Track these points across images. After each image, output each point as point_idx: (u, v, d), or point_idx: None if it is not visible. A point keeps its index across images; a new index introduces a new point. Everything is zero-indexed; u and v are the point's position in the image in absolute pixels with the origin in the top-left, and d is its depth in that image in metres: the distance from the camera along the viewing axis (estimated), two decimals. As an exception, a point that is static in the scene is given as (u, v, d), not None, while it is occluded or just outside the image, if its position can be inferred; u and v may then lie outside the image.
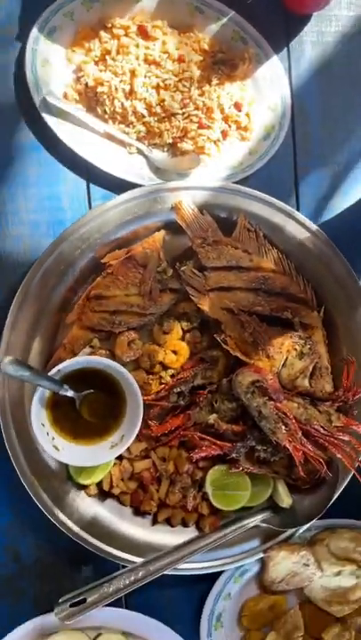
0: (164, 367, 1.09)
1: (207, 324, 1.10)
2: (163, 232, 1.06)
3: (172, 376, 1.10)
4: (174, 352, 1.09)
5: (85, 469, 1.03)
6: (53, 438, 1.00)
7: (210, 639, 1.11)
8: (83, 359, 0.99)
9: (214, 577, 1.11)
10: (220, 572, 1.10)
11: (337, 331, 1.13)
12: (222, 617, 1.12)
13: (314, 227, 1.11)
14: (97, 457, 1.01)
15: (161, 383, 1.10)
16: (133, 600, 1.10)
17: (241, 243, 1.08)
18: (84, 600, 0.99)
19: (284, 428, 1.04)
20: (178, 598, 1.12)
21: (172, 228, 1.07)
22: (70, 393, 0.99)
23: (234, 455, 1.06)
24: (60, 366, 0.97)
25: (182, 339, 1.10)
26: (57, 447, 0.99)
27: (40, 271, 1.01)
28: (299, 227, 1.10)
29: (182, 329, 1.09)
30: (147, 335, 1.09)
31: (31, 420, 0.97)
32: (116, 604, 1.06)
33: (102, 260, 1.04)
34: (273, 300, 1.08)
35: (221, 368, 1.09)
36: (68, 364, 0.98)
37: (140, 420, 1.00)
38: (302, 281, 1.11)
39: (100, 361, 0.99)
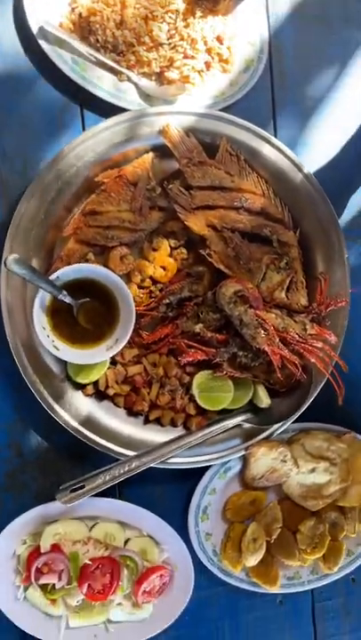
0: (154, 282, 1.19)
1: (193, 243, 1.20)
2: (151, 154, 1.15)
3: (161, 290, 1.19)
4: (163, 268, 1.19)
5: (83, 370, 1.13)
6: (53, 341, 1.09)
7: (197, 529, 1.22)
8: (79, 266, 1.08)
9: (201, 474, 1.21)
10: (206, 469, 1.21)
11: (312, 250, 1.23)
12: (208, 510, 1.23)
13: (290, 152, 1.20)
14: (94, 357, 1.10)
15: (151, 297, 1.19)
16: (127, 495, 1.20)
17: (223, 165, 1.17)
18: (83, 487, 1.09)
19: (263, 332, 1.14)
20: (168, 493, 1.23)
21: (161, 151, 1.16)
22: (68, 299, 1.08)
23: (218, 360, 1.17)
24: (59, 272, 1.06)
25: (170, 255, 1.19)
26: (57, 348, 1.08)
27: (39, 187, 1.09)
28: (276, 152, 1.20)
29: (170, 246, 1.19)
30: (137, 252, 1.19)
31: (33, 322, 1.05)
32: (111, 496, 1.16)
33: (96, 179, 1.13)
34: (253, 219, 1.18)
35: (206, 282, 1.19)
36: (66, 271, 1.07)
37: (133, 324, 1.09)
38: (280, 203, 1.21)
39: (96, 269, 1.09)
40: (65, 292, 1.07)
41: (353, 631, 1.35)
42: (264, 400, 1.20)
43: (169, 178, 1.17)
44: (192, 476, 1.21)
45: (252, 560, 1.22)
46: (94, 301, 1.12)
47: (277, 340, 1.15)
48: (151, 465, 1.13)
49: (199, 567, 1.22)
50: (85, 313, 1.12)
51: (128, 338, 1.10)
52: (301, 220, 1.23)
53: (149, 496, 1.22)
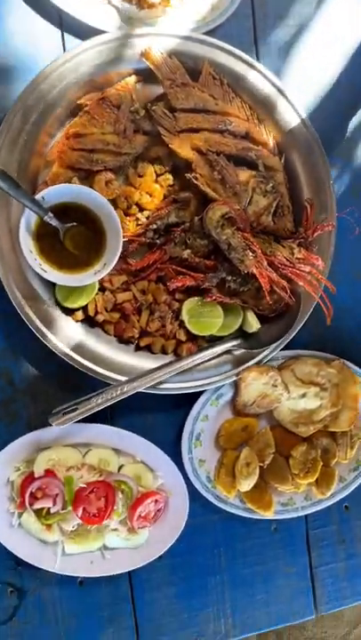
0: (140, 209, 1.18)
1: (179, 169, 1.19)
2: (134, 77, 1.14)
3: (148, 218, 1.19)
4: (149, 194, 1.18)
5: (71, 295, 1.12)
6: (40, 264, 1.08)
7: (190, 455, 1.22)
8: (65, 187, 1.08)
9: (192, 402, 1.21)
10: (198, 397, 1.21)
11: (297, 178, 1.24)
12: (201, 437, 1.24)
13: (274, 78, 1.20)
14: (82, 281, 1.10)
15: (138, 225, 1.19)
16: (120, 423, 1.20)
17: (207, 88, 1.17)
18: (76, 410, 1.09)
19: (251, 255, 1.15)
20: (160, 421, 1.23)
21: (144, 75, 1.15)
22: (55, 222, 1.07)
23: (206, 285, 1.17)
24: (44, 192, 1.06)
25: (156, 182, 1.18)
26: (44, 270, 1.08)
27: (21, 108, 1.08)
28: (260, 77, 1.20)
29: (155, 172, 1.17)
30: (123, 180, 1.18)
31: (19, 244, 1.05)
32: (104, 423, 1.16)
33: (79, 101, 1.12)
34: (238, 142, 1.18)
35: (193, 208, 1.19)
36: (51, 191, 1.06)
37: (120, 247, 1.09)
38: (264, 129, 1.21)
39: (81, 190, 1.08)
40: (51, 215, 1.06)
41: (348, 558, 1.37)
42: (254, 325, 1.20)
43: (153, 102, 1.16)
44: (184, 405, 1.21)
45: (246, 485, 1.23)
46: (81, 227, 1.12)
47: (265, 262, 1.16)
48: (143, 389, 1.13)
49: (193, 494, 1.21)
50: (72, 238, 1.12)
51: (116, 261, 1.09)
52: (286, 146, 1.23)
53: (142, 424, 1.21)
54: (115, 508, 1.13)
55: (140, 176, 1.17)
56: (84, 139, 1.11)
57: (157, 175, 1.18)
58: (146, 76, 1.15)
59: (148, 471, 1.18)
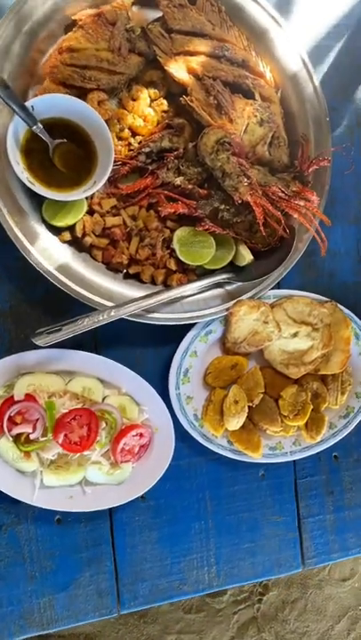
0: (133, 133, 1.15)
1: (173, 96, 1.17)
2: (131, -5, 1.12)
3: (140, 143, 1.16)
4: (142, 119, 1.15)
5: (59, 212, 1.08)
6: (28, 178, 1.04)
7: (178, 391, 1.18)
8: (56, 97, 1.04)
9: (181, 337, 1.17)
10: (187, 332, 1.18)
11: (292, 114, 1.22)
12: (189, 373, 1.19)
13: (273, 10, 1.19)
14: (70, 197, 1.06)
15: (130, 150, 1.16)
16: (106, 354, 1.13)
17: (205, 13, 1.15)
18: (60, 330, 1.05)
19: (246, 181, 1.12)
20: (148, 354, 1.19)
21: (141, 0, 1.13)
22: (44, 135, 1.04)
23: (199, 213, 1.14)
24: (34, 100, 1.02)
25: (150, 107, 1.16)
26: (32, 183, 1.04)
27: (14, 17, 1.04)
28: (259, 9, 1.18)
29: (150, 97, 1.16)
30: (116, 104, 1.15)
31: (7, 154, 1.01)
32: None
33: (73, 17, 1.09)
34: (235, 70, 1.16)
35: (187, 135, 1.16)
36: (42, 100, 1.03)
37: (111, 164, 1.06)
38: (261, 61, 1.20)
39: (73, 101, 1.05)
40: (40, 126, 1.03)
41: (337, 511, 1.33)
42: (246, 257, 1.17)
43: (150, 23, 1.14)
44: (172, 339, 1.18)
45: (234, 423, 1.18)
46: (71, 144, 1.08)
47: (260, 192, 1.13)
48: (130, 315, 1.09)
49: (180, 434, 1.17)
50: (62, 156, 1.08)
51: (106, 178, 1.06)
52: (282, 81, 1.21)
53: (129, 356, 1.17)
54: (98, 438, 1.08)
55: (134, 100, 1.15)
56: (77, 54, 1.08)
57: (151, 100, 1.16)
58: (143, 1, 1.13)
59: (133, 404, 1.14)
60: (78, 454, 1.09)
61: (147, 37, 1.12)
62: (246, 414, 1.20)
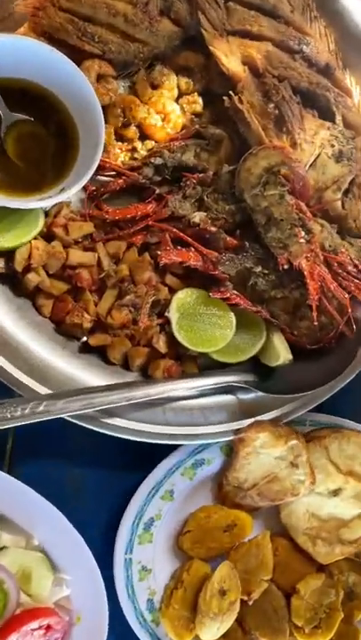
0: (142, 135, 0.81)
1: (214, 94, 0.81)
2: None
3: (151, 151, 0.78)
4: (161, 116, 0.78)
5: None
6: None
7: (129, 556, 0.73)
8: (26, 42, 0.69)
9: (153, 459, 0.77)
10: (164, 454, 0.77)
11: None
12: (154, 526, 0.74)
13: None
14: (14, 202, 0.65)
15: (133, 158, 0.77)
16: (22, 473, 0.73)
17: (283, -11, 0.79)
18: None
19: (304, 237, 0.71)
20: (91, 482, 0.78)
21: None
22: None
23: (219, 272, 0.77)
24: None
25: (177, 101, 0.82)
26: None
27: None
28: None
29: (179, 88, 0.83)
30: (127, 87, 0.82)
31: None
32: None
33: None
34: (313, 75, 0.81)
35: (223, 154, 0.82)
36: (2, 41, 0.64)
37: (93, 168, 0.69)
38: (350, 76, 0.83)
39: (55, 55, 0.68)
40: None
41: None
42: (281, 354, 0.79)
43: None
44: (138, 462, 0.77)
45: (213, 630, 0.72)
46: (38, 125, 0.71)
47: (321, 258, 0.74)
48: (72, 416, 0.68)
49: (118, 631, 0.73)
50: (19, 139, 0.73)
51: (81, 187, 0.67)
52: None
53: (61, 482, 0.77)
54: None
55: (155, 87, 0.82)
56: None
57: (181, 93, 0.84)
58: None
59: (46, 569, 0.70)
60: None
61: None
62: (235, 615, 0.72)
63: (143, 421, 0.72)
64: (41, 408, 0.66)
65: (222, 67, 0.78)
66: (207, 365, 0.80)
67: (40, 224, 0.70)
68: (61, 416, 0.66)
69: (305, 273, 0.75)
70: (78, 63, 0.75)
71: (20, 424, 0.64)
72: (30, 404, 0.66)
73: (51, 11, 0.72)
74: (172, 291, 0.77)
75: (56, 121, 0.71)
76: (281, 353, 0.77)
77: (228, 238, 0.78)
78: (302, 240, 0.75)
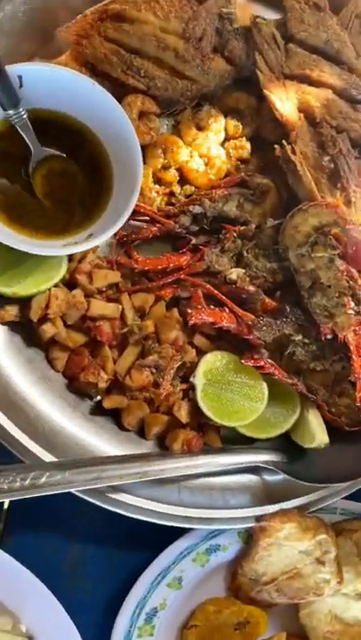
0: (182, 179, 0.74)
1: (263, 141, 0.75)
2: (242, -26, 0.71)
3: (190, 197, 0.70)
4: (205, 160, 0.71)
5: (11, 270, 0.62)
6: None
7: (126, 650, 0.63)
8: (66, 74, 0.63)
9: (161, 542, 0.69)
10: (174, 536, 0.68)
11: None
12: (157, 617, 0.65)
13: None
14: (39, 248, 0.59)
15: (170, 203, 0.70)
16: (15, 547, 0.64)
17: (349, 33, 0.73)
18: None
19: (352, 307, 0.63)
20: (92, 561, 0.69)
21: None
22: (28, 134, 0.60)
23: (254, 337, 0.69)
24: (25, 66, 0.61)
25: (223, 145, 0.76)
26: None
27: None
28: None
29: (226, 131, 0.77)
30: (170, 126, 0.75)
31: None
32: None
33: (141, -27, 0.68)
34: (377, 130, 0.72)
35: (269, 206, 0.74)
36: (39, 70, 0.62)
37: (128, 214, 0.61)
38: None
39: (96, 90, 0.62)
40: (23, 113, 0.58)
41: None
42: (316, 434, 0.71)
43: (261, 18, 0.73)
44: (146, 542, 0.69)
45: None
46: (70, 162, 0.65)
47: None
48: (78, 490, 0.60)
49: None
50: (49, 176, 0.65)
51: (112, 233, 0.60)
52: None
53: (54, 558, 0.68)
54: None
55: (200, 128, 0.76)
56: (130, 26, 0.68)
57: (228, 136, 0.77)
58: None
59: None
60: None
61: (249, 38, 0.70)
62: None
63: (154, 500, 0.64)
64: (43, 480, 0.58)
65: (276, 112, 0.71)
66: (231, 437, 0.71)
67: (62, 271, 0.63)
68: (64, 491, 0.59)
69: (351, 347, 0.67)
70: (120, 98, 0.69)
71: (17, 498, 0.57)
72: (32, 474, 0.58)
73: (96, 40, 0.67)
74: (200, 352, 0.69)
75: (90, 159, 0.65)
76: (316, 434, 0.69)
77: (267, 300, 0.71)
78: (351, 311, 0.67)
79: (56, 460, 0.62)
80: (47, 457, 0.62)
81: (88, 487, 0.61)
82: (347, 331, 0.66)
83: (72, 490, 0.60)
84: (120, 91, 0.69)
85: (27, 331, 0.66)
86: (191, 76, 0.70)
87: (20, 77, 0.59)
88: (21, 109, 0.60)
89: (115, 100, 0.63)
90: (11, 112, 0.59)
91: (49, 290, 0.64)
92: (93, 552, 0.69)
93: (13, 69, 0.58)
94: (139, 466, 0.63)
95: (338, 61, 0.74)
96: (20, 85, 0.60)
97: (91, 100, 0.63)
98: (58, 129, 0.64)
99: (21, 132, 0.61)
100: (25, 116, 0.60)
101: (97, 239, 0.61)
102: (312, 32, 0.71)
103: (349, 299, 0.66)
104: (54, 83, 0.62)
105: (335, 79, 0.73)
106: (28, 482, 0.58)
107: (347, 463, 0.69)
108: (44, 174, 0.65)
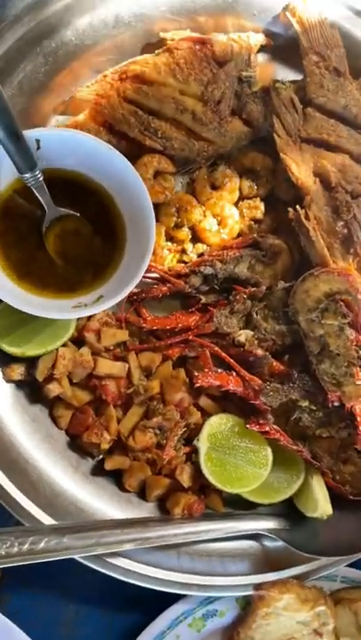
0: (195, 237, 0.73)
1: (277, 201, 0.73)
2: (263, 36, 0.71)
3: (201, 256, 0.70)
4: (218, 220, 0.70)
5: (18, 330, 0.62)
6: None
7: None
8: (82, 138, 0.62)
9: (158, 606, 0.68)
10: (171, 601, 0.68)
11: None
12: None
13: None
14: (48, 310, 0.58)
15: (181, 261, 0.70)
16: (11, 607, 0.64)
17: (369, 97, 0.72)
18: None
19: (359, 376, 0.63)
20: (90, 623, 0.68)
21: (278, 44, 0.72)
22: (43, 195, 0.60)
23: (260, 401, 0.67)
24: (43, 131, 0.61)
25: (236, 205, 0.74)
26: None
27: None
28: None
29: (241, 191, 0.75)
30: (185, 184, 0.74)
31: None
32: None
33: (162, 35, 0.69)
34: (392, 196, 0.71)
35: (280, 268, 0.73)
36: (56, 135, 0.62)
37: (139, 276, 0.61)
38: None
39: (112, 154, 0.61)
40: (39, 176, 0.58)
41: None
42: (319, 503, 0.70)
43: (281, 81, 0.72)
44: (142, 605, 0.69)
45: None
46: (83, 222, 0.64)
47: None
48: (77, 556, 0.59)
49: None
50: (62, 236, 0.65)
51: (122, 297, 0.60)
52: None
53: (50, 619, 0.67)
54: None
55: (215, 187, 0.76)
56: (149, 88, 0.68)
57: (242, 196, 0.77)
58: (280, 46, 0.73)
59: None
60: None
61: (267, 100, 0.70)
62: None
63: (153, 565, 0.63)
64: (41, 545, 0.58)
65: (292, 176, 0.70)
66: (233, 499, 0.69)
67: (71, 330, 0.63)
68: (62, 558, 0.58)
69: (358, 418, 0.66)
70: (137, 156, 0.69)
71: (14, 565, 0.56)
72: (30, 538, 0.58)
73: (114, 100, 0.67)
74: (205, 413, 0.68)
75: (104, 219, 0.65)
76: (319, 503, 0.68)
77: (275, 363, 0.70)
78: (360, 382, 0.66)
79: (55, 522, 0.61)
80: (46, 519, 0.61)
81: (85, 555, 0.59)
82: (354, 401, 0.65)
83: (70, 556, 0.58)
84: (137, 150, 0.68)
85: (32, 387, 0.65)
86: (208, 137, 0.69)
87: (37, 141, 0.59)
88: (37, 172, 0.59)
89: (129, 163, 0.62)
90: (27, 175, 0.59)
91: (56, 350, 0.64)
92: (88, 613, 0.68)
93: (31, 134, 0.59)
94: (138, 532, 0.62)
95: (356, 126, 0.73)
96: (38, 148, 0.60)
97: (106, 162, 0.63)
98: (73, 188, 0.64)
99: (36, 194, 0.61)
100: (41, 179, 0.60)
101: (107, 302, 0.61)
102: (331, 97, 0.71)
103: (358, 369, 0.65)
104: (71, 145, 0.62)
105: (352, 144, 0.72)
106: (26, 547, 0.58)
107: (349, 535, 0.68)
108: (58, 233, 0.65)
